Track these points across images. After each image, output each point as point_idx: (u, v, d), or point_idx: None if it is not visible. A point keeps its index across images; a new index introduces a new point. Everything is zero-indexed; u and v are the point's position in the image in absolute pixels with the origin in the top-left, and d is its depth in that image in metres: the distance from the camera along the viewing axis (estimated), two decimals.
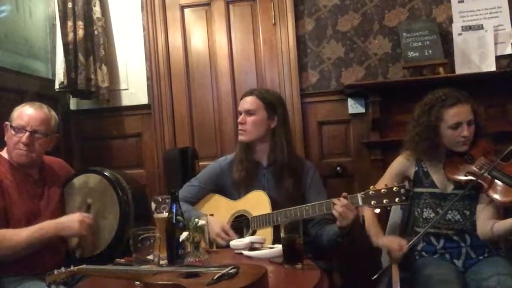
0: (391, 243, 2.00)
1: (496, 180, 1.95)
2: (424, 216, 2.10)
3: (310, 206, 1.97)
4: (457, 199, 1.99)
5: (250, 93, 2.25)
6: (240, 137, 2.23)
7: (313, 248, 2.02)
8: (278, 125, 2.19)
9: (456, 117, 2.02)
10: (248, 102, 2.21)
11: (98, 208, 2.10)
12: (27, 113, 2.01)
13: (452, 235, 2.04)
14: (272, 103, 2.20)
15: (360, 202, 1.85)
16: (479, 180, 1.95)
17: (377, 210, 1.86)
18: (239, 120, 2.23)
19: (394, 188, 1.81)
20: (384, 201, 1.81)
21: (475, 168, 2.00)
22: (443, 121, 2.04)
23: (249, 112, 2.19)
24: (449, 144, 2.07)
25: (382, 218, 2.29)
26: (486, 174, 1.95)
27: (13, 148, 1.99)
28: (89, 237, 2.05)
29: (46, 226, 1.93)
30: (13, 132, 1.99)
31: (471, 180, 1.98)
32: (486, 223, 1.98)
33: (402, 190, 1.80)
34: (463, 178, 2.01)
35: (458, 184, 2.04)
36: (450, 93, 2.06)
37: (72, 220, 1.95)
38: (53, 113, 2.12)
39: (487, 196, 1.96)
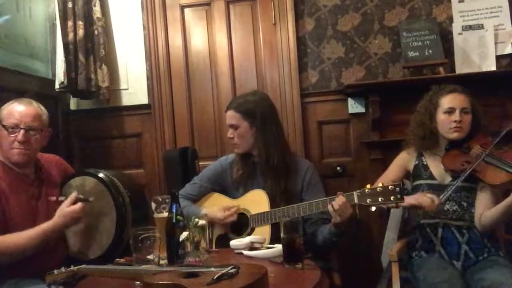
0: (422, 199, 1.94)
1: (490, 166, 1.98)
2: None
3: (307, 204, 2.01)
4: (456, 187, 2.00)
5: (229, 107, 2.28)
6: (235, 150, 2.30)
7: (311, 247, 2.03)
8: (260, 127, 2.20)
9: (451, 102, 2.12)
10: (230, 117, 2.25)
11: (95, 211, 2.07)
12: (18, 110, 1.94)
13: (450, 225, 2.05)
14: (249, 110, 2.21)
15: (356, 200, 1.86)
16: (473, 167, 1.98)
17: (373, 208, 1.85)
18: (228, 135, 2.28)
19: (390, 187, 1.81)
20: (380, 199, 1.82)
21: (470, 157, 2.05)
22: (439, 107, 2.14)
23: (233, 127, 2.24)
24: (442, 130, 2.13)
25: (383, 213, 2.33)
26: (480, 161, 1.99)
27: (9, 148, 1.93)
28: (89, 241, 2.05)
29: (50, 231, 1.91)
30: (6, 131, 1.92)
31: (465, 167, 2.01)
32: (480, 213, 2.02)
33: (398, 189, 1.80)
34: (459, 166, 2.05)
35: (455, 174, 2.08)
36: (449, 85, 2.19)
37: (68, 218, 1.93)
38: (43, 107, 2.06)
39: (481, 180, 2.00)
